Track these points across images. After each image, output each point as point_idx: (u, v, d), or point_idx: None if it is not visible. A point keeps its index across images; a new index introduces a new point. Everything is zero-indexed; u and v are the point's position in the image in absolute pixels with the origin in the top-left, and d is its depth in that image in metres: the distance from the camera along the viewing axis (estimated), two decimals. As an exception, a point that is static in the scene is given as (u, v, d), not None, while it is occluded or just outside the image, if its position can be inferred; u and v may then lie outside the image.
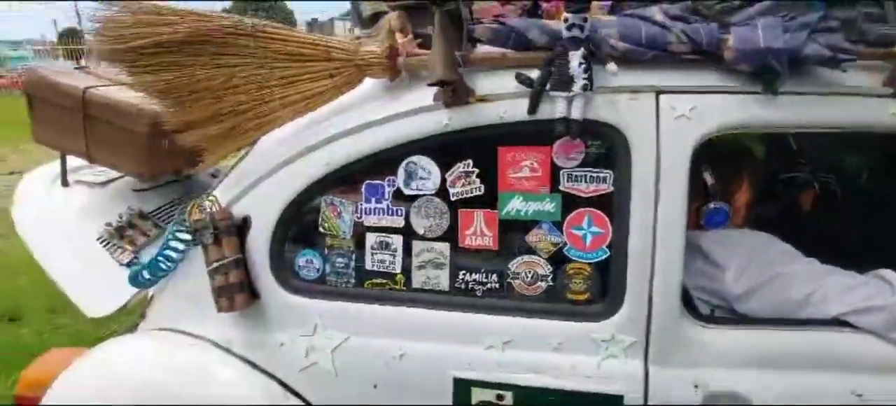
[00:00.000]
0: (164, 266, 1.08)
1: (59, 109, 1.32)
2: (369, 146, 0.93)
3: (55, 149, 1.43)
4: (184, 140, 1.02)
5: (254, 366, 1.02)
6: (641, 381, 0.88)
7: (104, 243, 1.33)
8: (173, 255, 1.06)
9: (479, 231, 0.92)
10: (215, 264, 0.96)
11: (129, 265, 1.28)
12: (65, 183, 1.47)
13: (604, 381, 0.88)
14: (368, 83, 0.96)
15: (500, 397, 0.91)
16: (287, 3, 35.90)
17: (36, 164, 1.57)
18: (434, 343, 0.94)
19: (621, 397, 0.88)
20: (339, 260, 0.99)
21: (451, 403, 0.93)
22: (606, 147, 0.89)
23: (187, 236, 1.02)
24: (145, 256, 1.31)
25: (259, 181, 1.01)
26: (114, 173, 1.52)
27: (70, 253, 1.28)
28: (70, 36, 27.21)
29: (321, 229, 0.99)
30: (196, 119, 1.03)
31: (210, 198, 1.01)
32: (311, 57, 0.94)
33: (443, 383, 0.93)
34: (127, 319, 1.30)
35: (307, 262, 1.01)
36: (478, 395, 0.92)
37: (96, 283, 1.24)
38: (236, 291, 0.97)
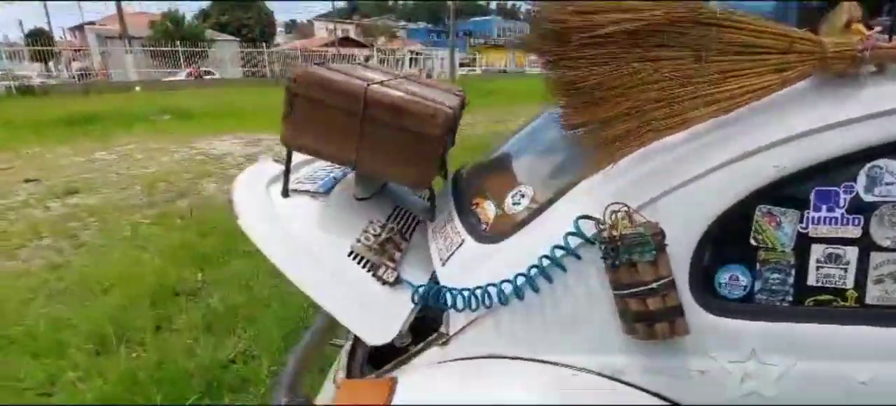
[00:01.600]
0: (528, 287, 0.95)
1: (331, 111, 1.16)
2: (827, 150, 0.84)
3: (308, 154, 1.27)
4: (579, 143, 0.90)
5: (659, 396, 0.91)
6: None
7: (359, 260, 1.19)
8: (551, 273, 0.93)
9: (951, 240, 0.84)
10: (653, 285, 0.84)
11: (393, 283, 1.15)
12: (286, 193, 1.31)
13: None
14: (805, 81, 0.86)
15: None
16: (266, 2, 35.27)
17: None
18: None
19: None
20: (774, 276, 0.89)
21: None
22: None
23: (595, 251, 0.90)
24: (407, 272, 1.18)
25: (673, 190, 0.89)
26: (320, 181, 1.39)
27: (329, 274, 1.13)
28: (37, 36, 25.97)
29: (753, 242, 0.89)
30: (594, 119, 0.91)
31: (616, 208, 0.89)
32: (767, 49, 0.84)
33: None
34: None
35: (731, 280, 0.90)
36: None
37: (369, 306, 1.10)
38: (676, 315, 0.85)
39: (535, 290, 0.94)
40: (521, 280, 0.95)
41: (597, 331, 0.95)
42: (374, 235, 1.26)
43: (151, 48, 22.76)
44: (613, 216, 0.87)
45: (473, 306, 1.00)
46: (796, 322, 0.88)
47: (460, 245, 1.13)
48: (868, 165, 0.84)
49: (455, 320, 1.03)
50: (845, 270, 0.87)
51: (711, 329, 0.89)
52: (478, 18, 48.80)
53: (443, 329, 1.07)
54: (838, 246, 0.87)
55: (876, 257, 0.86)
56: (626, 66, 0.85)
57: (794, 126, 0.85)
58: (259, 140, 7.87)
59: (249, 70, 25.45)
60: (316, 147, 1.20)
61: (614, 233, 0.86)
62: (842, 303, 0.88)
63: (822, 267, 0.87)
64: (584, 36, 0.82)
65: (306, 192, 1.39)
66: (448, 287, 1.04)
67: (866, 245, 0.86)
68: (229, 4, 31.89)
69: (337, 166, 1.61)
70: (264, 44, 27.71)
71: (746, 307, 0.90)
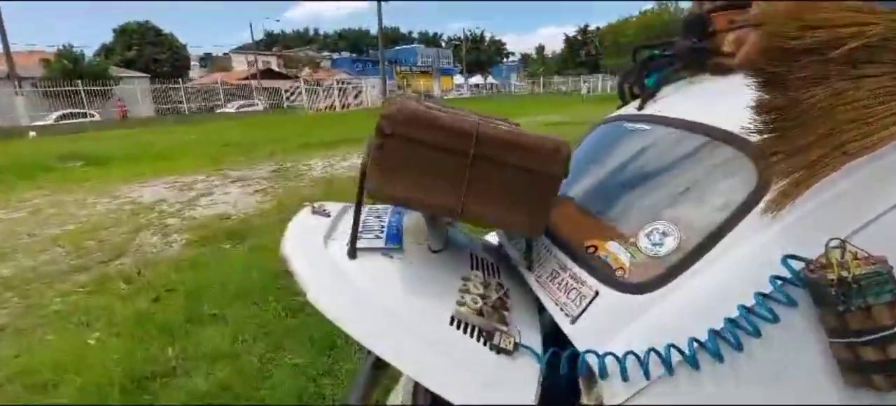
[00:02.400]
0: (728, 343, 0.81)
1: (435, 152, 0.96)
2: None
3: (404, 205, 1.05)
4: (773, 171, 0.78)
5: None
6: None
7: (464, 328, 1.00)
8: (758, 325, 0.79)
9: None
10: (892, 331, 0.73)
11: (512, 351, 0.97)
12: (354, 253, 1.09)
13: None
14: None
15: None
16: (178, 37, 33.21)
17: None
18: None
19: None
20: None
21: None
22: None
23: (813, 296, 0.77)
24: (522, 335, 1.01)
25: (877, 218, 0.80)
26: (381, 233, 1.20)
27: (434, 350, 0.93)
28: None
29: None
30: (790, 147, 0.80)
31: (836, 244, 0.77)
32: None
33: None
34: None
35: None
36: None
37: (495, 386, 0.91)
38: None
39: (739, 347, 0.80)
40: (724, 334, 0.80)
41: (803, 386, 0.82)
42: (480, 296, 1.06)
43: (48, 89, 20.40)
44: (836, 253, 0.76)
45: (645, 373, 0.83)
46: None
47: (593, 298, 0.97)
48: None
49: (612, 390, 0.86)
50: None
51: None
52: (401, 46, 49.42)
53: (586, 401, 0.89)
54: None
55: None
56: (833, 86, 0.75)
57: None
58: (193, 183, 7.17)
59: (163, 107, 23.60)
60: (415, 196, 0.98)
61: (844, 273, 0.74)
62: None
63: None
64: (814, 56, 0.71)
65: (376, 250, 1.16)
66: (595, 351, 0.87)
67: None
68: (136, 40, 29.59)
69: (380, 211, 1.39)
70: (180, 79, 25.94)
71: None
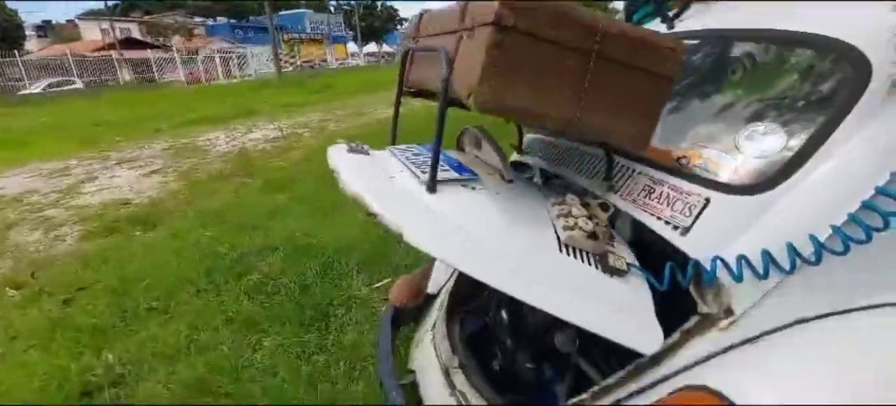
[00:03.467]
0: (858, 233, 0.83)
1: (558, 50, 0.84)
2: None
3: (520, 116, 0.91)
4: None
5: None
6: None
7: (580, 253, 0.95)
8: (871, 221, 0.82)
9: None
10: None
11: (626, 271, 0.95)
12: (433, 188, 0.97)
13: None
14: None
15: None
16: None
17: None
18: None
19: None
20: None
21: None
22: None
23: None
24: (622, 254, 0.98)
25: None
26: (449, 166, 1.09)
27: (556, 282, 0.87)
28: None
29: None
30: None
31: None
32: None
33: None
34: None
35: None
36: None
37: (623, 309, 0.89)
38: None
39: (869, 238, 0.82)
40: (849, 226, 0.82)
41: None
42: (585, 217, 0.99)
43: None
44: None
45: (778, 271, 0.84)
46: None
47: (705, 205, 0.95)
48: None
49: (740, 294, 0.86)
50: None
51: None
52: (287, 12, 45.81)
53: (707, 309, 0.88)
54: None
55: None
56: None
57: None
58: (66, 169, 6.03)
59: (-2, 84, 19.39)
60: (531, 105, 0.87)
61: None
62: None
63: None
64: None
65: (454, 182, 1.03)
66: (721, 258, 0.86)
67: None
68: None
69: (416, 148, 1.25)
70: (17, 51, 21.44)
71: None
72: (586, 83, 0.86)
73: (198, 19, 42.19)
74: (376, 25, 54.19)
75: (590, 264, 0.93)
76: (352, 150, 1.09)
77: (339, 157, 1.03)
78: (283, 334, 2.10)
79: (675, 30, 1.42)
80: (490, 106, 0.82)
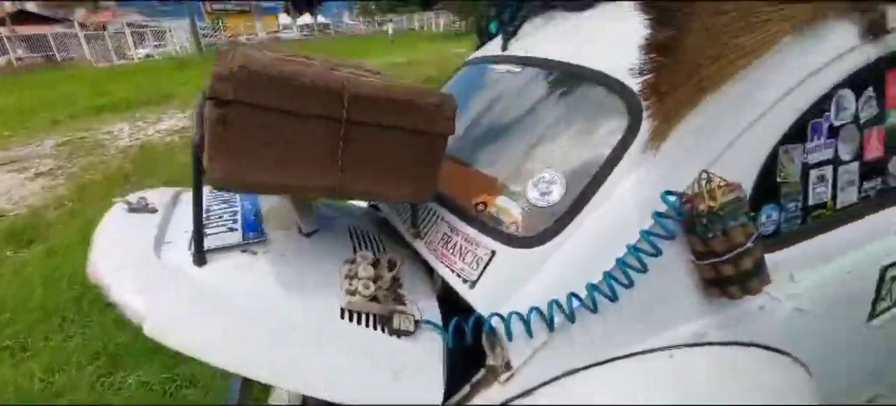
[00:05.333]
0: (620, 284, 0.86)
1: (298, 121, 0.78)
2: (820, 87, 0.97)
3: (266, 192, 0.85)
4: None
5: (741, 344, 0.95)
6: None
7: (364, 317, 0.92)
8: (647, 258, 0.85)
9: (874, 146, 1.08)
10: (748, 245, 0.84)
11: (414, 331, 0.93)
12: (201, 261, 0.90)
13: None
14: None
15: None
16: None
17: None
18: (862, 248, 1.07)
19: None
20: (791, 204, 1.00)
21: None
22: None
23: (684, 225, 0.85)
24: (420, 308, 0.97)
25: (728, 147, 0.90)
26: (229, 223, 1.04)
27: (330, 356, 0.84)
28: None
29: (779, 180, 0.98)
30: (667, 84, 0.84)
31: (707, 176, 0.85)
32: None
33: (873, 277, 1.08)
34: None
35: (767, 218, 0.98)
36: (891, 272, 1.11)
37: (403, 374, 0.87)
38: (763, 265, 0.88)
39: (630, 284, 0.85)
40: (616, 276, 0.84)
41: (674, 307, 0.92)
42: (370, 279, 0.96)
43: None
44: (703, 185, 0.84)
45: (548, 327, 0.85)
46: (809, 239, 1.02)
47: (491, 258, 0.95)
48: (836, 96, 1.00)
49: (518, 349, 0.87)
50: (827, 186, 1.04)
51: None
52: (209, -20, 42.43)
53: (493, 362, 0.89)
54: (823, 167, 1.03)
55: (841, 171, 1.05)
56: (703, 20, 0.81)
57: (801, 69, 0.94)
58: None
59: None
60: (280, 179, 0.81)
61: (711, 203, 0.82)
62: (827, 212, 1.06)
63: (816, 187, 1.03)
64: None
65: (234, 247, 0.96)
66: (498, 314, 0.86)
67: (836, 162, 1.05)
68: None
69: (228, 194, 1.17)
70: None
71: (778, 240, 1.00)
72: (340, 151, 0.81)
73: (105, -11, 38.23)
74: (309, -6, 51.46)
75: (376, 328, 0.90)
76: (133, 210, 0.99)
77: (109, 226, 0.93)
78: (151, 370, 1.97)
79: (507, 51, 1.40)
80: (229, 185, 0.76)
